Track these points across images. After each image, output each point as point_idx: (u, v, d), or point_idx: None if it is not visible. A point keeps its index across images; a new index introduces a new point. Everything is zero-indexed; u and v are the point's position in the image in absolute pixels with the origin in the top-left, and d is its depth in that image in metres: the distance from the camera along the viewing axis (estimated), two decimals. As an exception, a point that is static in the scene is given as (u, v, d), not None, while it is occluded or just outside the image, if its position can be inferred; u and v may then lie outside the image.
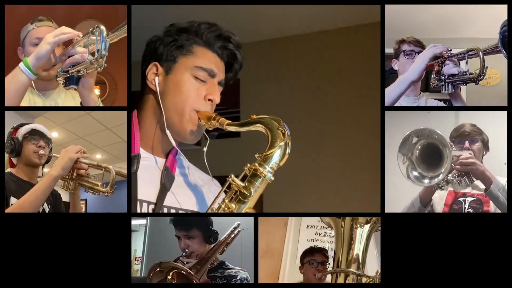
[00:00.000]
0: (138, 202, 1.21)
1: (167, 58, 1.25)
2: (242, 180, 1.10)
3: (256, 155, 1.10)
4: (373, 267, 1.45)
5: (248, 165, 1.10)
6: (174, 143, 1.24)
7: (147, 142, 1.28)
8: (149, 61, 1.28)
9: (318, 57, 3.11)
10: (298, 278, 1.75)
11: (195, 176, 1.36)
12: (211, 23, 1.28)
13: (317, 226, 1.97)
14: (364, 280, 1.24)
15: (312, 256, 1.70)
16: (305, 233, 1.96)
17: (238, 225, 1.43)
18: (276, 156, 1.09)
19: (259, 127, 1.12)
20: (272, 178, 1.09)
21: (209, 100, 1.24)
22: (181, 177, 1.32)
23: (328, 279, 1.38)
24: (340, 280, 1.25)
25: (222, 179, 1.36)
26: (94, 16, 2.02)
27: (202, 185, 1.35)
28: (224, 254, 1.42)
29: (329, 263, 1.69)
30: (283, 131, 1.09)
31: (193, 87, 1.23)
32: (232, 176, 1.10)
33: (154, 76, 1.26)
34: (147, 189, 1.23)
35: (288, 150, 1.09)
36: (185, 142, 1.27)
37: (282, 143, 1.08)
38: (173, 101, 1.23)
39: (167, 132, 1.23)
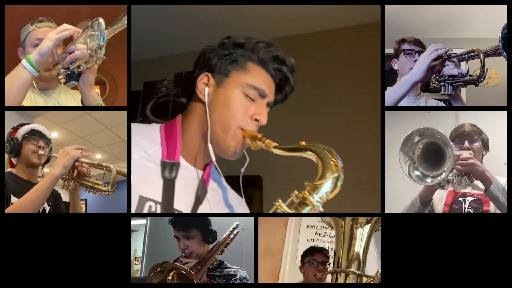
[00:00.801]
0: (174, 211, 1.19)
1: (220, 70, 1.23)
2: (289, 206, 1.05)
3: (306, 183, 1.05)
4: (373, 267, 1.45)
5: (296, 192, 1.05)
6: (213, 158, 1.21)
7: (189, 152, 1.24)
8: (201, 70, 1.25)
9: (318, 57, 3.10)
10: (298, 278, 1.75)
11: (226, 193, 1.33)
12: (268, 43, 1.26)
13: (317, 226, 1.97)
14: (364, 280, 1.24)
15: (313, 256, 1.69)
16: (305, 233, 1.96)
17: (237, 225, 1.43)
18: (327, 187, 1.04)
19: (310, 155, 1.08)
20: (322, 210, 1.04)
21: (256, 120, 1.21)
22: (214, 191, 1.29)
23: (329, 279, 1.38)
24: (341, 280, 1.25)
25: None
26: (94, 16, 2.01)
27: (232, 204, 1.32)
28: (224, 254, 1.43)
29: (329, 263, 1.69)
30: (336, 163, 1.05)
31: (241, 105, 1.20)
32: (279, 201, 1.04)
33: (205, 86, 1.23)
34: (181, 199, 1.20)
35: (339, 183, 1.05)
36: (226, 158, 1.24)
37: (335, 176, 1.04)
38: (220, 116, 1.20)
39: (209, 146, 1.20)
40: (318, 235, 1.96)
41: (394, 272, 1.32)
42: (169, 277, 1.23)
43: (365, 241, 1.26)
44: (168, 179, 1.19)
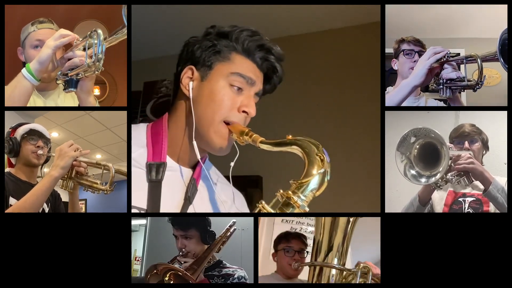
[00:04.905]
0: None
1: (204, 63, 1.17)
2: (273, 207, 1.01)
3: (291, 181, 1.01)
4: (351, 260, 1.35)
5: (281, 191, 1.00)
6: (198, 156, 1.16)
7: (176, 151, 1.20)
8: (185, 64, 1.20)
9: (318, 57, 3.10)
10: (270, 271, 1.62)
11: (220, 191, 1.28)
12: (254, 31, 1.19)
13: (292, 220, 1.85)
14: (344, 273, 1.13)
15: (288, 243, 1.53)
16: (279, 227, 1.83)
17: (234, 223, 1.43)
18: (313, 184, 0.99)
19: (295, 150, 1.03)
20: (307, 209, 0.99)
21: (244, 112, 1.16)
22: (204, 191, 1.25)
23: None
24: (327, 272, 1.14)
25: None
26: (94, 16, 2.02)
27: (225, 201, 1.27)
28: (224, 254, 1.42)
29: (307, 251, 1.53)
30: (322, 158, 1.00)
31: (227, 97, 1.15)
32: (263, 202, 1.00)
33: (189, 81, 1.18)
34: (168, 202, 1.16)
35: (326, 179, 1.00)
36: (214, 154, 1.20)
37: (321, 171, 0.99)
38: (205, 110, 1.15)
39: (194, 143, 1.15)
40: (294, 230, 1.82)
41: (394, 272, 1.32)
42: (166, 278, 1.22)
43: (349, 231, 1.15)
44: (154, 181, 1.15)
